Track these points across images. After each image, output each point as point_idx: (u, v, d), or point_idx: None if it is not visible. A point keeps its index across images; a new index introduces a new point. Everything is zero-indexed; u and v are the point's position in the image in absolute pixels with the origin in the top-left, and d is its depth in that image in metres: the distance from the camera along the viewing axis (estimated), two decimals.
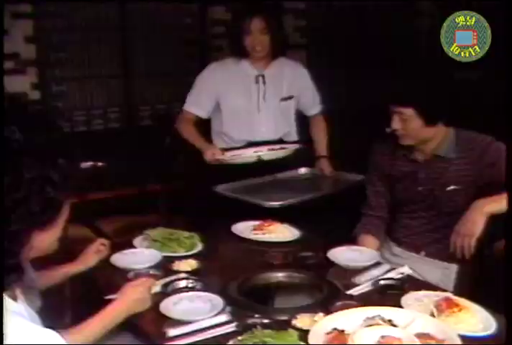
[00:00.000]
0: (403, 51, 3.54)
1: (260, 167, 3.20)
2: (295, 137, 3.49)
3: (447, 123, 2.54)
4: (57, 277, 2.27)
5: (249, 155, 3.14)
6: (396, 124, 2.50)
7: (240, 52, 3.33)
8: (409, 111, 2.45)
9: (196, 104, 3.39)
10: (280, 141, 3.42)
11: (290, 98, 3.46)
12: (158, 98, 5.61)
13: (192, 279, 2.27)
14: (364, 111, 4.73)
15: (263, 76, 3.38)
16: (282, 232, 2.72)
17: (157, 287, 2.19)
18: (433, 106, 2.47)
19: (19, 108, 1.34)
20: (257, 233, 2.71)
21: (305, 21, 6.00)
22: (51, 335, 1.17)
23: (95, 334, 1.88)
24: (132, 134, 5.46)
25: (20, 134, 1.21)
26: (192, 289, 2.21)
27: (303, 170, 3.50)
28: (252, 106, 3.38)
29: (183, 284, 2.25)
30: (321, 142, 3.55)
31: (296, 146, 3.25)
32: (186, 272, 2.34)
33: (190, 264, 2.41)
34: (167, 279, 2.26)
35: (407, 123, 2.47)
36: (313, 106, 3.59)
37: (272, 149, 3.21)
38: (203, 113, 3.40)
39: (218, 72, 3.38)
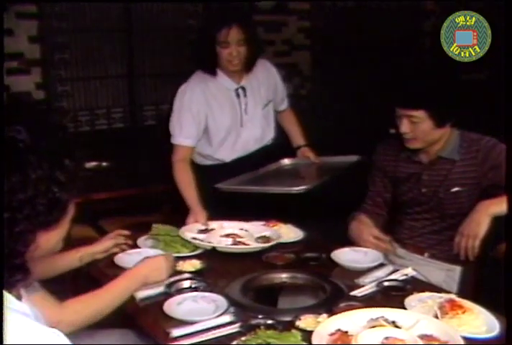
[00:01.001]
0: (409, 52, 3.52)
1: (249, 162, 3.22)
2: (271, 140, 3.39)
3: (453, 125, 2.54)
4: (72, 259, 2.33)
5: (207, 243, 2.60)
6: (405, 128, 2.48)
7: (214, 67, 3.09)
8: (420, 114, 2.43)
9: (188, 136, 3.08)
10: (265, 147, 3.33)
11: (269, 102, 3.32)
12: (162, 98, 5.61)
13: (195, 279, 2.27)
14: (368, 112, 4.73)
15: (243, 88, 3.20)
16: (286, 233, 2.72)
17: (160, 288, 2.20)
18: (445, 107, 2.45)
19: (25, 107, 1.33)
20: None
21: (310, 22, 6.01)
22: (56, 335, 1.16)
23: (109, 300, 1.99)
24: (136, 134, 5.47)
25: (26, 134, 1.22)
26: (195, 289, 2.22)
27: (286, 161, 3.47)
28: (237, 122, 3.20)
29: (186, 284, 2.25)
30: (297, 133, 3.51)
31: (269, 245, 2.59)
32: (190, 273, 2.35)
33: (194, 265, 2.42)
34: (171, 280, 2.25)
35: (417, 125, 2.46)
36: (284, 101, 3.49)
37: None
38: (195, 143, 3.12)
39: (199, 93, 3.09)
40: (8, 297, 1.20)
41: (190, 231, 2.71)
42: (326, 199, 2.99)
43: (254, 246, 2.59)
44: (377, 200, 2.79)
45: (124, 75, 5.60)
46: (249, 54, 3.06)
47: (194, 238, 2.63)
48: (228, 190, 3.01)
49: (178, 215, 2.87)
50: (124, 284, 2.04)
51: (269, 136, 3.34)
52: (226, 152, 3.21)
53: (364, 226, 2.63)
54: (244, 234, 2.69)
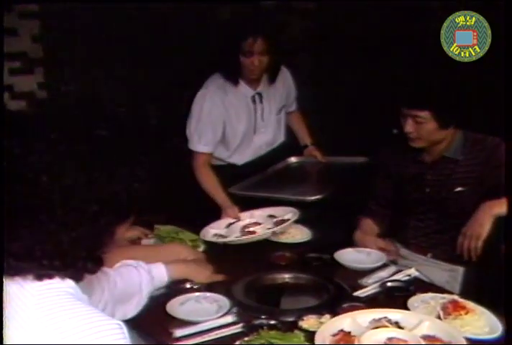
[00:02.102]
0: (414, 52, 3.50)
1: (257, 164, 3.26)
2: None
3: (457, 126, 2.53)
4: None
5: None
6: (410, 127, 2.49)
7: (237, 76, 3.11)
8: (425, 114, 2.44)
9: (207, 143, 3.10)
10: (274, 149, 3.37)
11: (283, 107, 3.37)
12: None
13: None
14: (370, 113, 4.72)
15: (260, 95, 3.22)
16: (293, 233, 2.72)
17: (160, 289, 2.20)
18: (450, 109, 2.45)
19: (104, 106, 1.40)
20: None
21: (312, 21, 5.99)
22: (119, 327, 1.19)
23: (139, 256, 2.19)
24: (141, 134, 5.46)
25: (108, 132, 1.29)
26: (196, 290, 2.20)
27: (292, 159, 3.53)
28: (252, 128, 3.24)
29: (187, 285, 2.23)
30: (305, 132, 3.58)
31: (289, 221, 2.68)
32: None
33: None
34: None
35: (421, 126, 2.46)
36: (293, 103, 3.54)
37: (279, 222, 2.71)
38: (213, 149, 3.15)
39: (218, 101, 3.09)
40: (73, 285, 1.25)
41: (217, 228, 2.78)
42: (334, 201, 3.00)
43: (259, 234, 2.63)
44: (381, 201, 2.80)
45: (128, 74, 5.58)
46: (272, 64, 3.08)
47: (215, 235, 2.70)
48: (241, 195, 3.05)
49: (183, 214, 2.87)
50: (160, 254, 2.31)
51: (280, 140, 3.39)
52: (240, 157, 3.25)
53: (368, 236, 2.68)
54: (267, 221, 2.74)
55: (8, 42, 4.62)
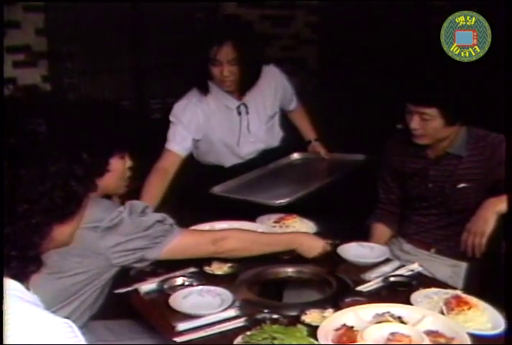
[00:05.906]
0: (420, 49, 3.48)
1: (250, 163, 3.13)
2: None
3: (463, 123, 2.52)
4: None
5: None
6: (416, 124, 2.47)
7: (205, 85, 2.94)
8: (432, 111, 2.42)
9: (185, 148, 2.94)
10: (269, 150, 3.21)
11: (275, 114, 3.17)
12: (169, 92, 5.61)
13: (188, 276, 2.26)
14: (375, 108, 4.72)
15: (245, 105, 3.02)
16: (298, 227, 2.69)
17: (153, 285, 2.21)
18: (458, 106, 2.44)
19: (44, 100, 1.35)
20: (274, 226, 2.69)
21: (317, 16, 5.99)
22: (68, 325, 1.17)
23: (261, 243, 2.29)
24: (143, 128, 5.47)
25: (46, 127, 1.23)
26: (188, 286, 2.20)
27: (295, 155, 3.42)
28: (235, 140, 3.05)
29: (179, 281, 2.24)
30: (308, 127, 3.43)
31: None
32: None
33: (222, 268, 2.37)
34: (165, 276, 2.26)
35: (428, 123, 2.45)
36: (292, 101, 3.35)
37: None
38: (185, 153, 2.96)
39: (200, 114, 2.94)
40: (19, 287, 1.22)
41: None
42: (332, 199, 2.97)
43: None
44: (390, 197, 2.81)
45: (131, 68, 5.59)
46: (243, 75, 2.88)
47: None
48: (220, 195, 2.88)
49: (185, 209, 2.86)
50: (280, 240, 2.35)
51: (273, 145, 3.21)
52: (227, 161, 3.10)
53: None
54: None
55: (12, 34, 4.64)
